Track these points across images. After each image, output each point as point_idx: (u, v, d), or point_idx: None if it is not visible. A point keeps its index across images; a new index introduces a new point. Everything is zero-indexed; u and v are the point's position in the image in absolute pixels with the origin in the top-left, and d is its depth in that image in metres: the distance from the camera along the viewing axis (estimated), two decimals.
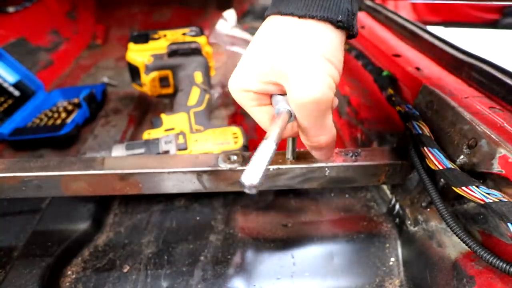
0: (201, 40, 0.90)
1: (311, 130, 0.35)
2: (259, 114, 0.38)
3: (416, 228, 0.52)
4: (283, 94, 0.36)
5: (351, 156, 0.52)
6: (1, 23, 1.09)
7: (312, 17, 0.31)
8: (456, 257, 0.44)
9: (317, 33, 0.31)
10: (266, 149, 0.32)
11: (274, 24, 0.34)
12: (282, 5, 0.33)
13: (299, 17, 0.31)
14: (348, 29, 0.32)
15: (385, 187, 0.63)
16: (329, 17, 0.31)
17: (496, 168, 0.39)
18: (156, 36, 0.91)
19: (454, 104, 0.46)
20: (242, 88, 0.36)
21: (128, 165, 0.50)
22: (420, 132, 0.48)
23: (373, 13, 0.93)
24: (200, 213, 0.62)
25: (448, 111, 0.47)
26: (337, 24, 0.31)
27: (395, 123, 0.64)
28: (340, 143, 0.87)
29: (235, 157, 0.50)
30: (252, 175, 0.30)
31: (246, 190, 0.30)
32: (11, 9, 1.12)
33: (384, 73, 0.66)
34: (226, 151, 0.53)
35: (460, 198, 0.47)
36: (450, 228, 0.41)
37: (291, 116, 0.35)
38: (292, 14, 0.32)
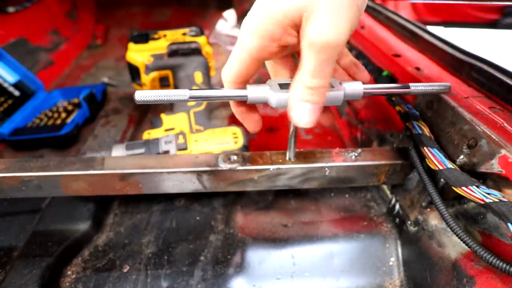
0: (201, 40, 0.90)
1: (311, 72, 0.33)
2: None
3: (416, 228, 0.52)
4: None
5: (351, 156, 0.52)
6: (1, 23, 1.09)
7: None
8: (456, 257, 0.44)
9: None
10: (179, 92, 0.37)
11: None
12: None
13: None
14: None
15: (385, 187, 0.63)
16: None
17: (496, 168, 0.39)
18: (156, 36, 0.91)
19: (454, 104, 0.46)
20: (259, 30, 0.34)
21: (128, 165, 0.50)
22: (420, 132, 0.48)
23: (373, 13, 0.93)
24: (200, 213, 0.62)
25: (448, 111, 0.47)
26: None
27: (395, 123, 0.64)
28: (340, 143, 0.87)
29: (235, 157, 0.50)
30: (144, 95, 0.37)
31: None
32: (11, 9, 1.12)
33: (384, 73, 0.66)
34: (226, 151, 0.53)
35: (460, 198, 0.47)
36: (450, 228, 0.41)
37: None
38: None
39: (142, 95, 0.37)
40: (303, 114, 0.35)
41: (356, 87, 0.40)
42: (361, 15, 0.33)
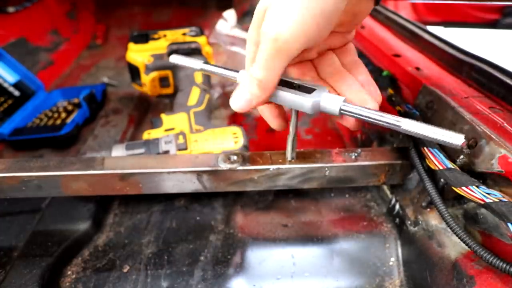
0: (201, 40, 0.90)
1: (257, 63, 0.34)
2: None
3: (416, 228, 0.52)
4: None
5: (351, 156, 0.52)
6: (1, 23, 1.09)
7: None
8: (456, 257, 0.44)
9: None
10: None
11: None
12: None
13: None
14: None
15: (385, 187, 0.63)
16: None
17: (496, 168, 0.39)
18: (156, 36, 0.91)
19: (454, 104, 0.46)
20: (252, 39, 0.37)
21: (128, 165, 0.50)
22: None
23: (373, 13, 0.93)
24: (200, 213, 0.62)
25: (448, 111, 0.47)
26: None
27: None
28: (340, 143, 0.87)
29: (235, 157, 0.50)
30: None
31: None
32: (11, 9, 1.12)
33: (384, 73, 0.66)
34: (226, 151, 0.53)
35: (460, 198, 0.47)
36: (450, 228, 0.41)
37: None
38: None
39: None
40: (237, 99, 0.37)
41: (333, 102, 0.35)
42: (331, 22, 0.32)
